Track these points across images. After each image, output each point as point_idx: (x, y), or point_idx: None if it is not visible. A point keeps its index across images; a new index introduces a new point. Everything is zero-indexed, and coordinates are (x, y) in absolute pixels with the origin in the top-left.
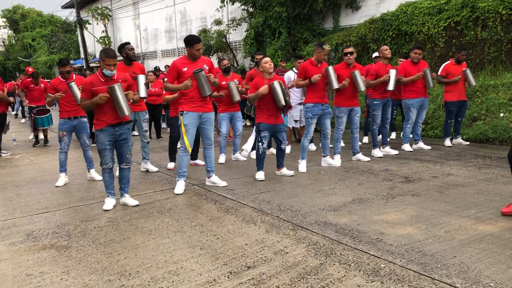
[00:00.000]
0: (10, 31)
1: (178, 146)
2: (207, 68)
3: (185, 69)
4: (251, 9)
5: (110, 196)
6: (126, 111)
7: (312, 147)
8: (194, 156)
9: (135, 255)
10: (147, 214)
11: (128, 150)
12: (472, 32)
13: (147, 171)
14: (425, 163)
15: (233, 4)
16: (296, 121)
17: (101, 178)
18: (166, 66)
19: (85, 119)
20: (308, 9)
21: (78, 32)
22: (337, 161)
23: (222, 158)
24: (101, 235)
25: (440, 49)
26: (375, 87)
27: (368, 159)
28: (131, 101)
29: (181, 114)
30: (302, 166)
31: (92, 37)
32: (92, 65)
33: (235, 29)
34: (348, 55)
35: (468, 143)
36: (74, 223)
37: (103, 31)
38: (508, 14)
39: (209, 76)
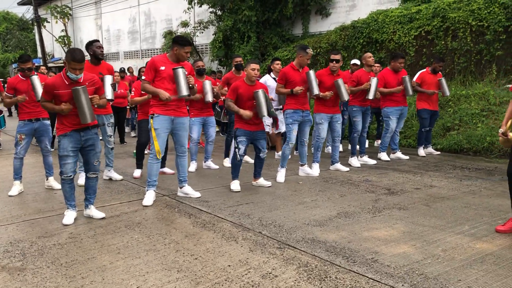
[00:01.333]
0: None
1: (146, 152)
2: (186, 72)
3: (162, 68)
4: (219, 12)
5: (70, 209)
6: (89, 118)
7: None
8: (162, 163)
9: (102, 279)
10: (114, 229)
11: (95, 157)
12: (443, 42)
13: (111, 179)
14: (405, 174)
15: (200, 6)
16: (268, 125)
17: (60, 187)
18: (127, 68)
19: (48, 122)
20: (277, 14)
21: (36, 31)
22: (315, 170)
23: (193, 166)
24: (62, 254)
25: (411, 58)
26: (355, 94)
27: (347, 169)
28: (96, 106)
29: (152, 117)
30: (281, 175)
31: (51, 36)
32: (50, 65)
33: (202, 32)
34: (334, 62)
35: (438, 152)
36: (29, 240)
37: (62, 30)
38: (477, 25)
39: (189, 78)
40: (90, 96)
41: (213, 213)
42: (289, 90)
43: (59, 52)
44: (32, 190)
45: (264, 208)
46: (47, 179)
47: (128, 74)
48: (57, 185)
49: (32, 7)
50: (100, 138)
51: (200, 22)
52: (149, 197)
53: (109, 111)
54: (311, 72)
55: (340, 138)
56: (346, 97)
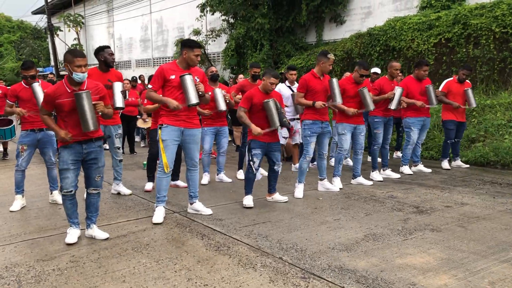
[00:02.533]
0: None
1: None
2: (198, 80)
3: (172, 76)
4: (232, 20)
5: (73, 226)
6: (91, 125)
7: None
8: (174, 176)
9: None
10: (120, 251)
11: (97, 173)
12: (464, 50)
13: (119, 193)
14: (432, 190)
15: (213, 14)
16: (284, 137)
17: None
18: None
19: (52, 132)
20: (291, 22)
21: (49, 39)
22: (336, 185)
23: (205, 179)
24: (61, 281)
25: (430, 66)
26: (377, 104)
27: (371, 183)
28: (100, 114)
29: (160, 128)
30: (299, 191)
31: (64, 45)
32: (62, 73)
33: (214, 40)
34: (364, 77)
35: (468, 166)
36: (27, 263)
37: (75, 39)
38: (501, 32)
39: (198, 85)
40: (94, 102)
41: (227, 233)
42: (310, 102)
43: None
44: (35, 204)
45: (283, 228)
46: (51, 193)
47: (140, 82)
48: (61, 200)
49: (45, 15)
50: (107, 148)
51: (212, 30)
52: (159, 214)
53: (117, 122)
54: (334, 80)
55: (362, 151)
56: (371, 107)
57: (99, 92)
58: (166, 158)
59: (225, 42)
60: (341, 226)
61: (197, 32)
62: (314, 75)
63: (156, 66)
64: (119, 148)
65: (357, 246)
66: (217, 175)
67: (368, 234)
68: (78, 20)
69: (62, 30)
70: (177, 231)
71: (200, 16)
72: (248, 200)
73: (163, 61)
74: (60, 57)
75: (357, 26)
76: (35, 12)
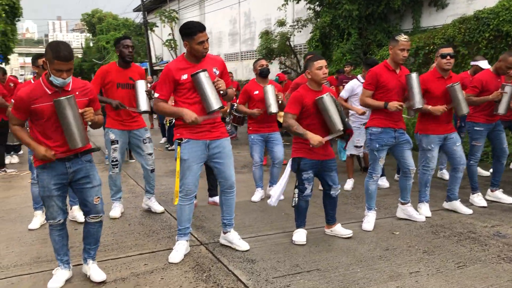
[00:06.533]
0: (88, 34)
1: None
2: (217, 72)
3: (184, 76)
4: (318, 8)
5: (61, 266)
6: (79, 141)
7: (384, 182)
8: (213, 191)
9: None
10: None
11: (94, 193)
12: None
13: (149, 210)
14: None
15: (297, 2)
16: (357, 147)
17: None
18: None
19: None
20: (383, 8)
21: (146, 35)
22: (424, 213)
23: (257, 195)
24: None
25: None
26: (478, 107)
27: (470, 211)
28: (89, 123)
29: (179, 144)
30: (369, 221)
31: (160, 40)
32: (156, 68)
33: (300, 31)
34: (448, 57)
35: None
36: None
37: (169, 34)
38: None
39: (216, 82)
40: (80, 110)
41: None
42: (381, 103)
43: (168, 55)
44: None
45: (333, 284)
46: (70, 209)
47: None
48: (82, 217)
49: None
50: (132, 160)
51: (298, 20)
52: (179, 250)
53: (142, 124)
54: (414, 76)
55: (464, 166)
56: (465, 109)
57: (88, 93)
58: (185, 182)
59: (310, 33)
60: (420, 285)
61: (281, 23)
62: (387, 67)
63: (244, 60)
64: (151, 155)
65: None
66: (269, 187)
67: None
68: (172, 15)
69: (158, 26)
70: (191, 277)
71: (283, 5)
72: (299, 236)
73: (250, 55)
74: (158, 52)
75: (462, 9)
76: (135, 10)
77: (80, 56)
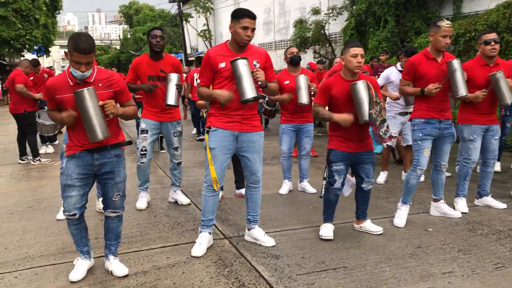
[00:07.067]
0: (126, 26)
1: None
2: (257, 65)
3: (222, 64)
4: None
5: (82, 256)
6: (99, 133)
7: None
8: (240, 183)
9: None
10: None
11: (115, 189)
12: None
13: (176, 202)
14: None
15: None
16: (392, 137)
17: None
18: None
19: None
20: None
21: (181, 26)
22: (460, 208)
23: (285, 187)
24: None
25: None
26: None
27: (504, 206)
28: (111, 116)
29: (207, 132)
30: (401, 216)
31: (195, 31)
32: (190, 59)
33: (335, 19)
34: (492, 43)
35: None
36: None
37: (204, 24)
38: None
39: (255, 72)
40: (101, 102)
41: (275, 285)
42: (418, 89)
43: (202, 46)
44: None
45: (360, 282)
46: (98, 200)
47: None
48: None
49: (176, 3)
50: (163, 151)
51: (333, 8)
52: (202, 243)
53: (176, 117)
54: (456, 62)
55: (496, 160)
56: (509, 99)
57: (113, 84)
58: (214, 172)
59: (345, 21)
60: (453, 287)
61: (316, 11)
62: (426, 55)
63: (278, 49)
64: (177, 149)
65: None
66: (300, 183)
67: None
68: (207, 6)
69: (193, 17)
70: (212, 272)
71: None
72: (327, 230)
73: (284, 44)
74: (193, 43)
75: None
76: (171, 1)
77: (118, 47)
